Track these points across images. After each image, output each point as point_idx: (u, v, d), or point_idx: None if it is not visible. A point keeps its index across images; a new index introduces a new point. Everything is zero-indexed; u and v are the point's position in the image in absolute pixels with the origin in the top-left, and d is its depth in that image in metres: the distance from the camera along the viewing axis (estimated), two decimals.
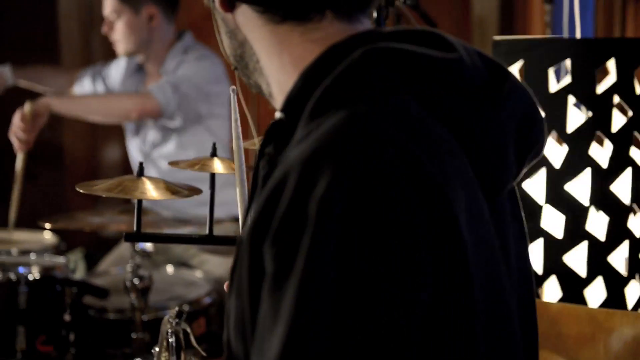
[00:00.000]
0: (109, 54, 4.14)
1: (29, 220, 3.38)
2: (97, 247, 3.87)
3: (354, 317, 0.82)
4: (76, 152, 4.41)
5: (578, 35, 1.95)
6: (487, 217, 0.96)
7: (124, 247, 3.02)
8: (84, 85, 3.22)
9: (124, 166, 4.26)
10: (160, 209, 2.92)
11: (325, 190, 0.85)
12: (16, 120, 2.76)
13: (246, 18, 1.07)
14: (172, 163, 1.66)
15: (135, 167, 3.14)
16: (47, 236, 2.98)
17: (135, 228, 1.56)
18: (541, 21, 3.16)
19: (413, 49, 0.97)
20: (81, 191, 1.61)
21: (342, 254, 0.84)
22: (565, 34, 2.26)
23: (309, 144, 0.90)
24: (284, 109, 1.02)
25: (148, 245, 2.34)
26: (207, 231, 1.60)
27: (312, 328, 0.83)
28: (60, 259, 2.58)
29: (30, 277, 2.34)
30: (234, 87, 1.28)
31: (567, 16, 2.23)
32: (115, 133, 4.19)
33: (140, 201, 1.57)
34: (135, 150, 3.12)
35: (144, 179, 1.61)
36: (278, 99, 1.08)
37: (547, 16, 2.31)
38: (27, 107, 2.76)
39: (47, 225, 2.40)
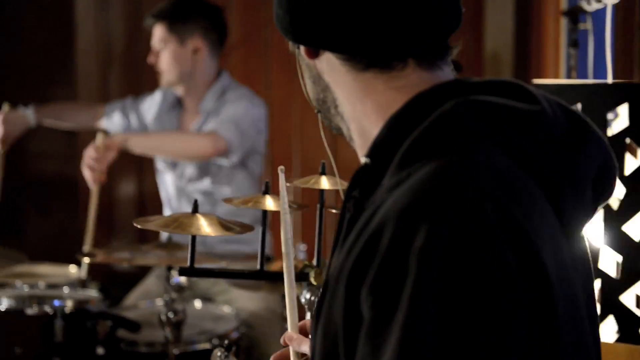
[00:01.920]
0: (126, 91, 4.22)
1: (45, 254, 3.43)
2: (111, 280, 3.90)
3: None
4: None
5: (610, 78, 2.02)
6: (567, 259, 1.02)
7: (149, 281, 3.06)
8: (114, 121, 3.26)
9: (139, 201, 4.32)
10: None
11: (425, 242, 0.90)
12: (89, 152, 2.79)
13: (330, 65, 1.12)
14: (226, 200, 1.71)
15: (166, 200, 3.20)
16: (73, 270, 3.02)
17: (189, 263, 1.60)
18: (555, 59, 3.25)
19: (499, 101, 1.02)
20: (139, 226, 1.66)
21: (443, 303, 0.89)
22: (591, 77, 2.33)
23: (403, 194, 0.95)
24: (370, 155, 1.06)
25: (182, 280, 2.38)
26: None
27: None
28: (93, 293, 2.62)
29: (66, 310, 2.37)
30: (282, 167, 1.36)
31: (592, 60, 2.30)
32: (129, 168, 4.24)
33: (194, 237, 1.62)
34: (169, 183, 3.16)
35: (198, 215, 1.65)
36: (359, 143, 1.13)
37: (571, 60, 2.38)
38: (99, 139, 2.79)
39: (86, 260, 2.44)
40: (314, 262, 1.68)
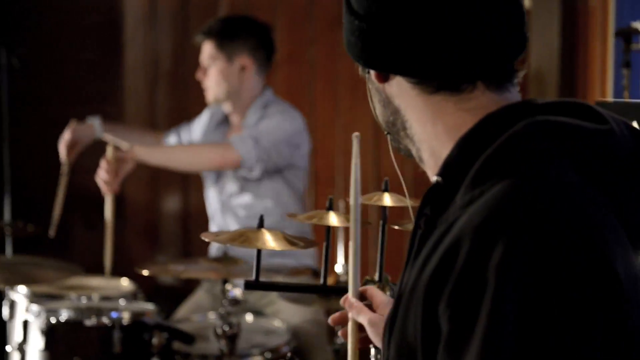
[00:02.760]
0: (173, 108, 4.29)
1: (92, 268, 3.48)
2: (155, 294, 3.96)
3: None
4: (137, 203, 4.52)
5: None
6: (638, 273, 1.05)
7: (199, 295, 3.11)
8: (170, 142, 3.34)
9: (185, 216, 4.37)
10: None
11: (502, 257, 0.94)
12: (102, 164, 2.86)
13: (400, 88, 1.16)
14: (290, 215, 1.76)
15: (212, 215, 3.25)
16: (124, 283, 3.08)
17: (254, 277, 1.64)
18: (602, 79, 3.26)
19: (568, 121, 1.06)
20: (206, 240, 1.71)
21: (522, 315, 0.93)
22: None
23: (478, 211, 1.00)
24: (441, 174, 1.10)
25: (238, 293, 2.42)
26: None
27: None
28: (149, 306, 2.67)
29: (124, 322, 2.43)
30: (357, 133, 1.30)
31: None
32: (175, 183, 4.30)
33: (259, 251, 1.66)
34: (213, 198, 3.21)
35: (263, 230, 1.70)
36: (429, 163, 1.17)
37: (624, 80, 2.41)
38: (110, 152, 2.86)
39: (145, 272, 2.49)
40: (376, 277, 1.72)
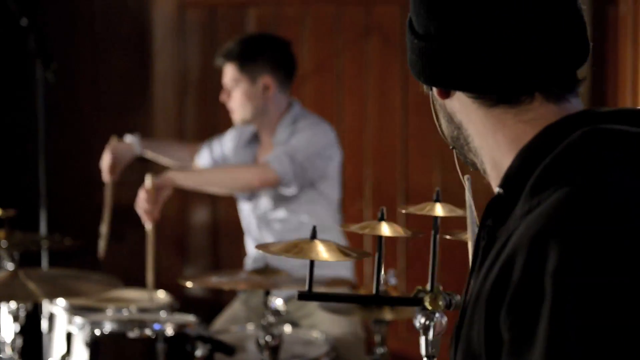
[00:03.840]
0: (201, 120, 4.32)
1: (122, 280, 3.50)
2: (185, 306, 3.98)
3: None
4: (166, 216, 4.54)
5: None
6: None
7: (236, 307, 3.13)
8: (202, 157, 3.35)
9: (212, 229, 4.38)
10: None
11: (558, 264, 0.96)
12: (141, 193, 2.87)
13: (461, 103, 1.20)
14: (343, 226, 1.77)
15: (246, 228, 3.26)
16: (161, 295, 3.10)
17: (307, 287, 1.66)
18: (634, 86, 3.27)
19: (628, 128, 1.08)
20: (261, 251, 1.72)
21: (582, 322, 0.94)
22: None
23: (535, 220, 1.01)
24: (503, 185, 1.13)
25: (279, 304, 2.43)
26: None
27: None
28: (191, 317, 2.68)
29: (167, 334, 2.44)
30: (468, 175, 1.33)
31: None
32: (204, 196, 4.31)
33: (312, 262, 1.68)
34: (248, 213, 3.22)
35: (317, 241, 1.71)
36: (492, 175, 1.20)
37: None
38: (148, 180, 2.87)
39: (189, 284, 2.50)
40: (428, 286, 1.73)
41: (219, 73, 4.23)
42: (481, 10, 1.13)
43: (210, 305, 4.19)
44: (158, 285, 3.18)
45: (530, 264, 0.98)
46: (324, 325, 2.90)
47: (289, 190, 3.03)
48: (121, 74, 4.54)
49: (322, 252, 1.72)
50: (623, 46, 3.42)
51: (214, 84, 4.25)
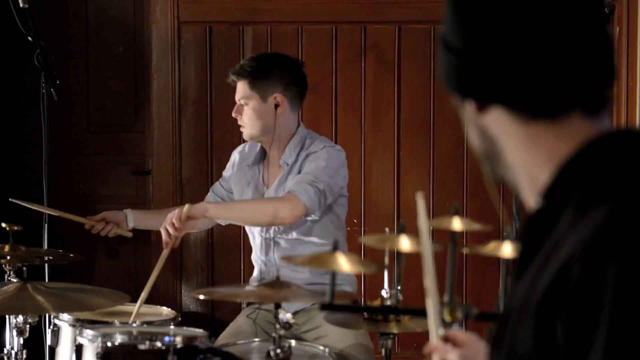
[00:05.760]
0: (198, 137, 4.35)
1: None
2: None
3: None
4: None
5: None
6: None
7: (240, 321, 3.15)
8: (209, 199, 3.41)
9: (207, 246, 4.40)
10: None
11: (616, 276, 1.00)
12: (172, 217, 2.88)
13: (496, 118, 1.21)
14: (363, 238, 1.82)
15: (255, 246, 3.28)
16: (165, 310, 3.12)
17: (329, 299, 1.71)
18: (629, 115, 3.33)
19: None
20: (286, 263, 1.77)
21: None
22: None
23: (588, 233, 1.05)
24: (544, 197, 1.16)
25: (289, 317, 2.46)
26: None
27: None
28: (200, 331, 2.70)
29: (177, 346, 2.46)
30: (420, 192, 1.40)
31: None
32: None
33: (334, 273, 1.72)
34: (257, 234, 3.24)
35: (338, 253, 1.76)
36: (528, 189, 1.22)
37: None
38: (187, 208, 2.87)
39: (201, 296, 2.53)
40: (445, 298, 1.77)
41: (216, 91, 4.29)
42: (520, 25, 1.15)
43: (206, 321, 4.23)
44: (155, 301, 3.19)
45: (587, 276, 1.02)
46: (331, 338, 2.93)
47: (312, 217, 3.06)
48: (118, 93, 4.58)
49: (343, 263, 1.77)
50: (618, 66, 3.49)
51: (211, 102, 4.31)
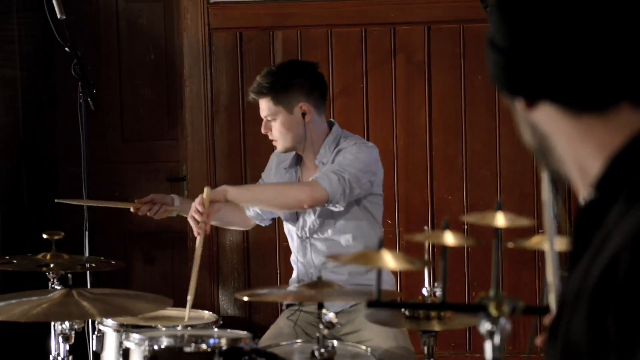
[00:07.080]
0: (231, 143, 4.39)
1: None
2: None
3: None
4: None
5: None
6: None
7: (281, 322, 3.18)
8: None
9: (243, 250, 4.43)
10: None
11: None
12: (195, 204, 2.93)
13: (546, 113, 1.22)
14: (408, 235, 1.84)
15: (294, 248, 3.30)
16: (206, 313, 3.16)
17: (375, 296, 1.72)
18: None
19: None
20: (331, 262, 1.80)
21: None
22: None
23: (637, 223, 1.07)
24: (597, 189, 1.18)
25: (332, 316, 2.49)
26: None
27: None
28: (244, 333, 2.73)
29: (223, 348, 2.49)
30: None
31: None
32: None
33: (379, 270, 1.74)
34: (294, 233, 3.27)
35: (383, 250, 1.78)
36: (580, 182, 1.23)
37: None
38: (206, 192, 2.92)
39: (245, 298, 2.56)
40: (491, 292, 1.79)
41: (247, 96, 4.32)
42: (564, 20, 1.16)
43: (245, 325, 4.26)
44: (194, 306, 3.22)
45: (636, 266, 1.03)
46: (373, 337, 2.95)
47: (337, 208, 3.08)
48: (150, 101, 4.64)
49: (388, 260, 1.79)
50: None
51: (243, 107, 4.35)
